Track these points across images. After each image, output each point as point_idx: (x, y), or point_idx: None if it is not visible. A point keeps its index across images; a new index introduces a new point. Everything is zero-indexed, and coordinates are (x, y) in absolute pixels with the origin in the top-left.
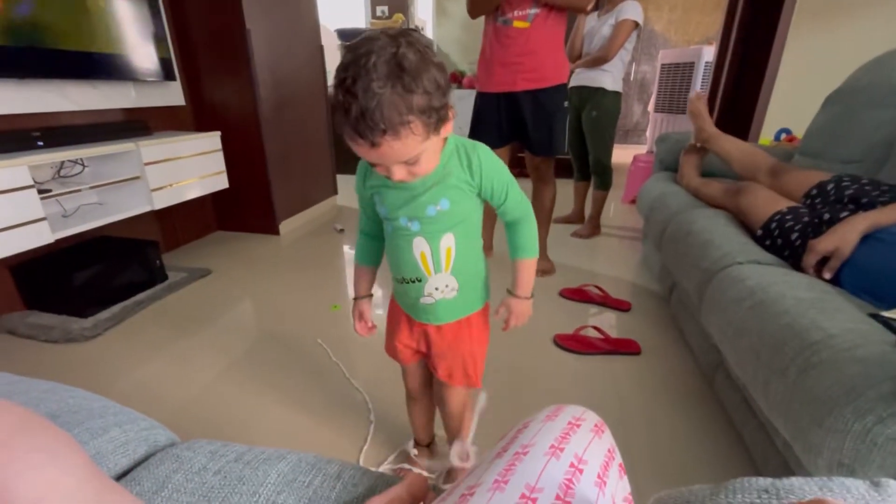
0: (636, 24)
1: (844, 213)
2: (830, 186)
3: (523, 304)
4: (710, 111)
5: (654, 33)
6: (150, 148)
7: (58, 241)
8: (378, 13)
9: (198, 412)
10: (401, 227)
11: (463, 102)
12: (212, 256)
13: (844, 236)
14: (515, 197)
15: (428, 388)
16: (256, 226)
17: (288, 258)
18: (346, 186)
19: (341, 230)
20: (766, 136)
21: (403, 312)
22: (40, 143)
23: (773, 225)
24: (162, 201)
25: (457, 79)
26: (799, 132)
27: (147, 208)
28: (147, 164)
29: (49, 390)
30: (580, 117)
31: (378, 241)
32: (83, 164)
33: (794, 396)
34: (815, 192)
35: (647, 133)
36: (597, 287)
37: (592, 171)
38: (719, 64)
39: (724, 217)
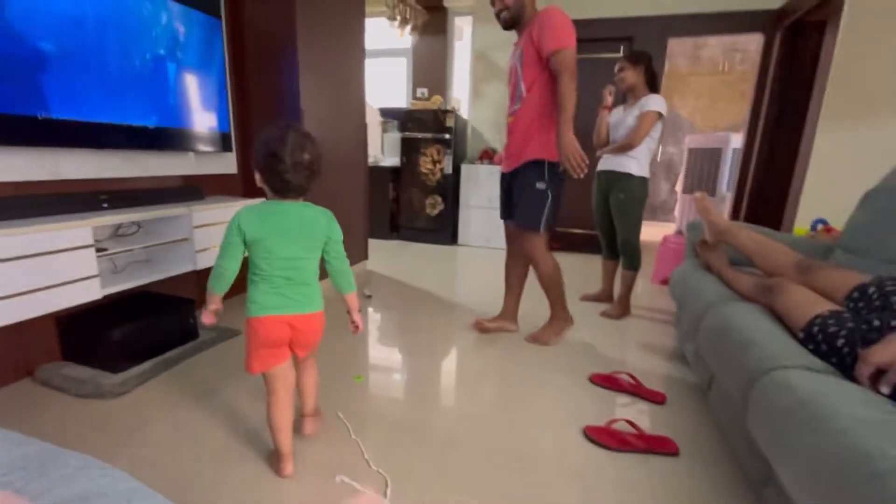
0: (660, 115)
1: (894, 322)
2: (872, 290)
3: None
4: (740, 197)
5: (681, 118)
6: (201, 212)
7: (104, 296)
8: (418, 94)
9: (212, 480)
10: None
11: (494, 176)
12: (241, 315)
13: None
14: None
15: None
16: None
17: None
18: (378, 251)
19: (369, 296)
20: (802, 224)
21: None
22: (105, 206)
23: (815, 329)
24: (205, 262)
25: (489, 155)
26: (835, 222)
27: (190, 268)
28: (196, 227)
29: (82, 467)
30: (607, 198)
31: None
32: (139, 225)
33: None
34: (856, 294)
35: (676, 213)
36: (629, 375)
37: (621, 251)
38: (748, 151)
39: (764, 313)
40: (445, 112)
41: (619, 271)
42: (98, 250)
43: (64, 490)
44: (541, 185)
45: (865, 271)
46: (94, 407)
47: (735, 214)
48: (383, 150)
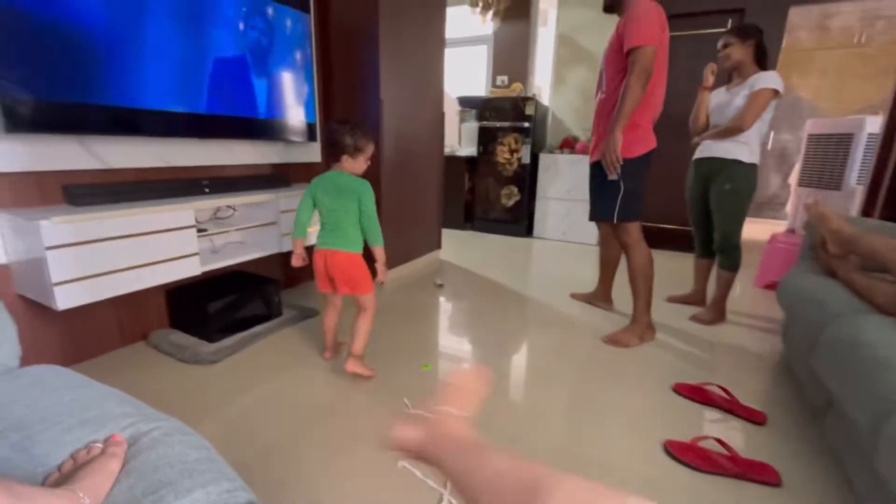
0: (776, 93)
1: None
2: None
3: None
4: (874, 193)
5: (800, 100)
6: (287, 199)
7: (203, 273)
8: (498, 82)
9: (281, 455)
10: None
11: (575, 166)
12: (319, 298)
13: None
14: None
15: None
16: None
17: (386, 309)
18: (451, 241)
19: (440, 285)
20: None
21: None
22: (207, 191)
23: None
24: (289, 245)
25: (570, 144)
26: None
27: (276, 250)
28: (283, 211)
29: (173, 431)
30: (706, 190)
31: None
32: (234, 209)
33: None
34: None
35: (788, 209)
36: (722, 388)
37: (718, 249)
38: (888, 136)
39: None
40: (525, 99)
41: (715, 271)
42: (199, 231)
43: (148, 454)
44: (613, 177)
45: None
46: (192, 372)
47: (868, 212)
48: (460, 140)
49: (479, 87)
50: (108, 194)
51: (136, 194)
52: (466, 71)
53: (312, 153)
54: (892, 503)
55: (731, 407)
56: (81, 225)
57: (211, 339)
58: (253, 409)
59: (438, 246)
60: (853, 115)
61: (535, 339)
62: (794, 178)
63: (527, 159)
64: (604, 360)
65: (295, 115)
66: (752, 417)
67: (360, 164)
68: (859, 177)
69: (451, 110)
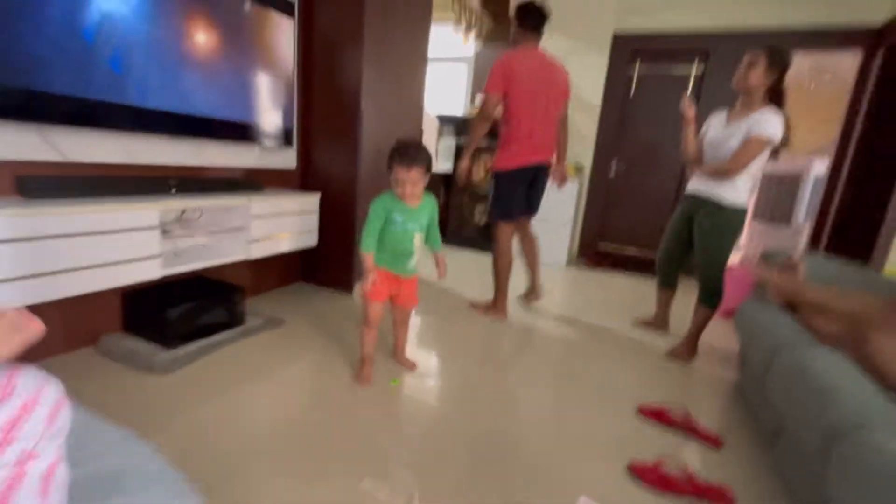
0: (772, 143)
1: None
2: None
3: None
4: (820, 229)
5: None
6: (259, 203)
7: (164, 276)
8: (477, 102)
9: (240, 466)
10: (408, 229)
11: (547, 189)
12: (288, 306)
13: None
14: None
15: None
16: (334, 282)
17: (356, 318)
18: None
19: None
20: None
21: (388, 272)
22: (174, 191)
23: None
24: (257, 252)
25: None
26: None
27: (243, 257)
28: (253, 217)
29: (120, 441)
30: (690, 222)
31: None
32: (202, 212)
33: None
34: None
35: (742, 241)
36: (682, 411)
37: (701, 286)
38: (833, 178)
39: (849, 362)
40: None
41: (695, 306)
42: (163, 232)
43: (98, 463)
44: (490, 189)
45: None
46: (146, 381)
47: (814, 246)
48: (437, 156)
49: (458, 105)
50: (65, 188)
51: (96, 190)
52: (447, 88)
53: (288, 159)
54: None
55: (690, 430)
56: (34, 219)
57: (168, 346)
58: (210, 423)
59: None
60: (803, 157)
61: (504, 355)
62: (749, 213)
63: None
64: (573, 378)
65: (272, 119)
66: (710, 441)
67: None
68: (806, 214)
69: (429, 126)
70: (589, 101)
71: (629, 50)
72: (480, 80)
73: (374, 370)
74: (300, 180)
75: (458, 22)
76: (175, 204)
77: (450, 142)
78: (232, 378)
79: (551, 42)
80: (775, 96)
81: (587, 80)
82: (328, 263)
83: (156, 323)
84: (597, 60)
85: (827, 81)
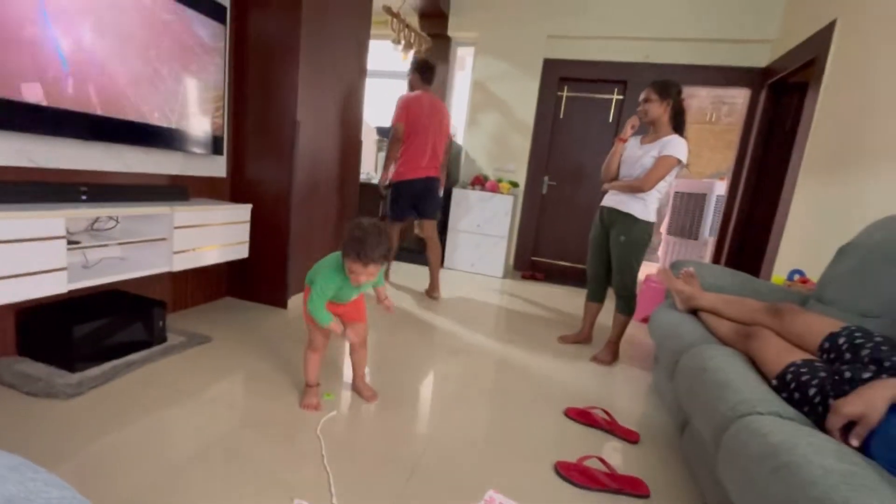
0: (679, 163)
1: (867, 375)
2: (842, 341)
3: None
4: (721, 243)
5: None
6: (184, 213)
7: (70, 291)
8: None
9: (163, 492)
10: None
11: (485, 202)
12: (216, 322)
13: (871, 402)
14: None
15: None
16: (266, 297)
17: (290, 335)
18: None
19: None
20: (779, 274)
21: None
22: (84, 198)
23: (789, 377)
24: (181, 264)
25: (481, 181)
26: (811, 274)
27: (166, 269)
28: (177, 227)
29: (14, 468)
30: (607, 236)
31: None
32: (117, 221)
33: None
34: (827, 345)
35: (659, 253)
36: (604, 411)
37: (616, 294)
38: (730, 198)
39: (741, 358)
40: None
41: (614, 314)
42: (70, 243)
43: None
44: (388, 195)
45: (835, 318)
46: (46, 407)
47: (717, 258)
48: (377, 168)
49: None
50: None
51: None
52: (388, 103)
53: (217, 168)
54: None
55: (610, 428)
56: None
57: (73, 369)
58: (125, 449)
59: None
60: (706, 179)
61: (440, 366)
62: (664, 227)
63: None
64: (505, 387)
65: (199, 126)
66: (628, 437)
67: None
68: (711, 229)
69: (369, 139)
70: (523, 121)
71: (558, 75)
72: None
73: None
74: (231, 190)
75: (396, 40)
76: (85, 212)
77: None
78: (151, 400)
79: (490, 66)
80: (678, 123)
81: (521, 101)
82: (260, 277)
83: (60, 343)
84: (529, 84)
85: (725, 113)
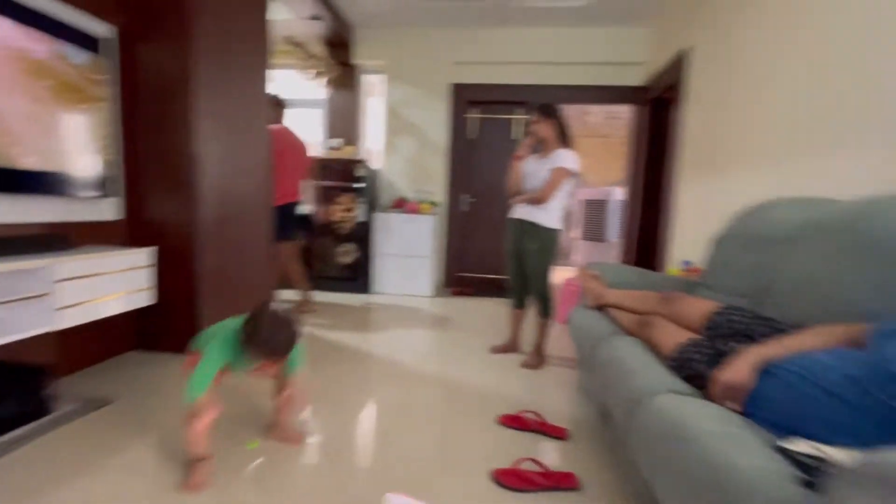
0: (569, 172)
1: (737, 345)
2: (720, 320)
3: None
4: (628, 245)
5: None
6: (67, 264)
7: None
8: (333, 144)
9: None
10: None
11: (408, 224)
12: (119, 380)
13: (738, 368)
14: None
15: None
16: (177, 345)
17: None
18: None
19: None
20: (673, 265)
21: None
22: None
23: (681, 356)
24: (69, 320)
25: (401, 204)
26: (699, 263)
27: (46, 329)
28: (59, 280)
29: None
30: (520, 246)
31: None
32: None
33: None
34: (709, 324)
35: (577, 257)
36: (535, 413)
37: (534, 299)
38: (631, 205)
39: (641, 346)
40: (356, 162)
41: (535, 319)
42: None
43: None
44: (274, 219)
45: (715, 300)
46: None
47: (623, 257)
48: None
49: (317, 148)
50: None
51: None
52: (307, 132)
53: (108, 210)
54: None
55: (541, 428)
56: None
57: None
58: None
59: None
60: (607, 187)
61: (374, 395)
62: (578, 234)
63: (362, 218)
64: (438, 404)
65: (84, 167)
66: (558, 434)
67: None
68: (616, 232)
69: None
70: (437, 144)
71: (466, 99)
72: (335, 124)
73: (218, 436)
74: (130, 233)
75: (302, 70)
76: None
77: (310, 182)
78: (37, 483)
79: (401, 92)
80: (565, 138)
81: (434, 125)
82: (168, 324)
83: None
84: (440, 108)
85: (617, 127)
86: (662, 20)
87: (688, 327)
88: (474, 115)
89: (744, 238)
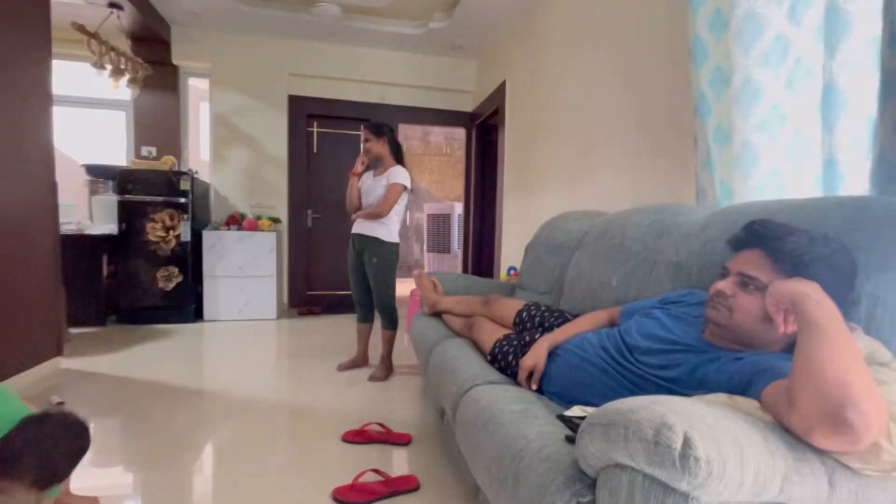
0: (404, 188)
1: (537, 335)
2: (525, 315)
3: None
4: (466, 253)
5: (421, 189)
6: None
7: None
8: (144, 153)
9: None
10: None
11: (244, 242)
12: None
13: (536, 353)
14: None
15: None
16: None
17: None
18: (84, 342)
19: (60, 403)
20: (503, 272)
21: None
22: None
23: (496, 350)
24: None
25: (237, 220)
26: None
27: None
28: None
29: None
30: (362, 260)
31: None
32: None
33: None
34: (517, 320)
35: (425, 269)
36: (379, 424)
37: (378, 312)
38: (467, 217)
39: (469, 345)
40: (179, 174)
41: (381, 331)
42: None
43: None
44: None
45: (524, 299)
46: None
47: (465, 267)
48: (91, 215)
49: (117, 156)
50: None
51: None
52: (101, 136)
53: None
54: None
55: (385, 437)
56: None
57: None
58: None
59: (59, 352)
60: (449, 202)
61: (210, 433)
62: (425, 245)
63: (187, 237)
64: (279, 430)
65: None
66: (401, 440)
67: None
68: (458, 243)
69: (75, 181)
70: (276, 156)
71: (306, 112)
72: (143, 129)
73: None
74: None
75: (98, 65)
76: None
77: (111, 197)
78: None
79: (232, 99)
80: (398, 155)
81: (271, 136)
82: None
83: None
84: (277, 119)
85: (457, 147)
86: (487, 54)
87: (504, 325)
88: (317, 129)
89: (546, 245)
